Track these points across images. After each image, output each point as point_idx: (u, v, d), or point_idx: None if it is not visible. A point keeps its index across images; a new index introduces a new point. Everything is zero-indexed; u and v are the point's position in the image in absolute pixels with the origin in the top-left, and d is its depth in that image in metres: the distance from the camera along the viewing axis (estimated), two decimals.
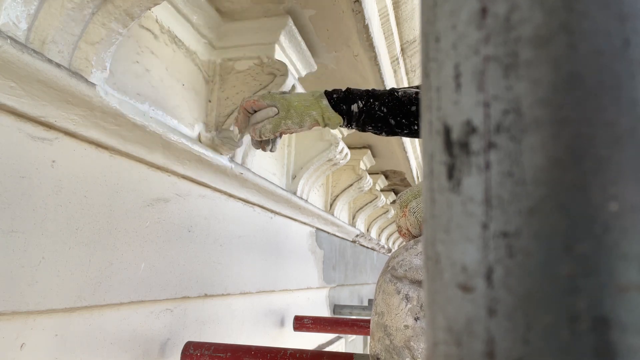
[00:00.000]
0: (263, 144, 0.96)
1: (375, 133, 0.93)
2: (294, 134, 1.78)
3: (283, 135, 0.96)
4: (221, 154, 1.11)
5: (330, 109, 0.90)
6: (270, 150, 0.98)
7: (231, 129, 0.98)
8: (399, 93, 0.89)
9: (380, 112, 0.89)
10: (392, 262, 0.74)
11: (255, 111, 0.92)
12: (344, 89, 0.92)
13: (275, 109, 0.91)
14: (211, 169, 1.09)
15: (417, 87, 0.94)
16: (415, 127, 0.90)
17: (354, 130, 0.93)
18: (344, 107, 0.90)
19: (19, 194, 0.64)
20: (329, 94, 0.91)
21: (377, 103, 0.89)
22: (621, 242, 0.14)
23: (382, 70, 1.45)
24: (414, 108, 0.88)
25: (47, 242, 0.69)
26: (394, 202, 3.31)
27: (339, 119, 0.90)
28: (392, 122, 0.90)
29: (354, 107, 0.90)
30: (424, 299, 0.18)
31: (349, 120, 0.91)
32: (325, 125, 0.91)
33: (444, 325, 0.16)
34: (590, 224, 0.14)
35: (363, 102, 0.90)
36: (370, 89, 0.92)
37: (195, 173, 1.05)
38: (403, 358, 0.66)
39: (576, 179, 0.14)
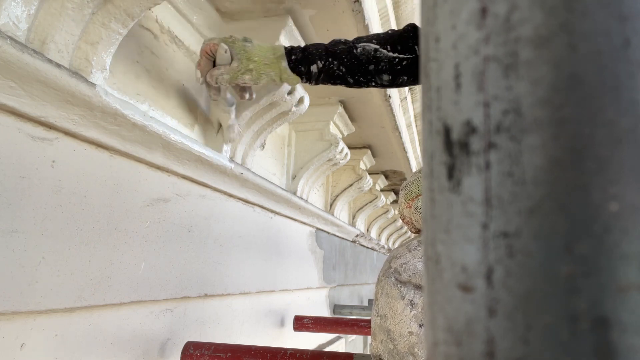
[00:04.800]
0: (241, 92, 0.98)
1: (330, 84, 0.94)
2: (293, 134, 1.78)
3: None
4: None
5: (288, 71, 0.90)
6: (249, 99, 1.00)
7: (197, 75, 0.98)
8: (358, 50, 0.88)
9: (339, 72, 0.89)
10: (395, 263, 0.74)
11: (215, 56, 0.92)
12: (302, 47, 0.91)
13: (224, 48, 0.90)
14: (211, 169, 1.09)
15: (376, 37, 0.92)
16: (373, 84, 0.91)
17: (312, 84, 0.94)
18: (303, 68, 0.90)
19: (19, 194, 0.64)
20: (288, 54, 0.90)
21: (335, 62, 0.89)
22: (621, 242, 0.14)
23: None
24: (372, 67, 0.88)
25: (47, 242, 0.69)
26: (394, 202, 3.31)
27: (297, 79, 0.91)
28: (350, 80, 0.90)
29: (313, 68, 0.90)
30: (424, 299, 0.18)
31: (308, 79, 0.91)
32: (282, 82, 0.92)
33: (444, 325, 0.16)
34: (590, 224, 0.14)
35: (322, 62, 0.89)
36: (329, 44, 0.91)
37: (195, 173, 1.05)
38: None
39: (576, 179, 0.14)
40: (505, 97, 0.15)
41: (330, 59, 0.89)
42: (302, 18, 1.19)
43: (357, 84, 0.91)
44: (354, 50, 0.88)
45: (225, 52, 0.89)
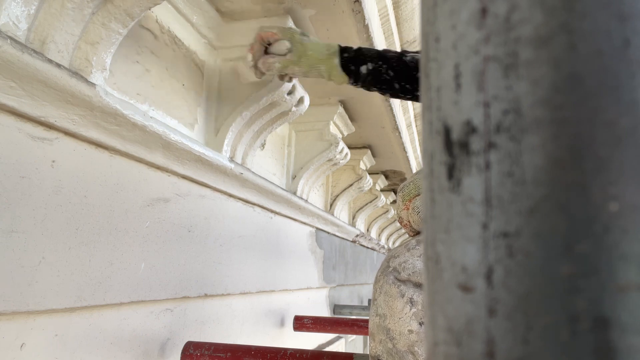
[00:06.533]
0: (281, 75, 1.00)
1: (379, 93, 0.95)
2: (293, 134, 1.78)
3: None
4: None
5: (339, 68, 0.91)
6: (287, 81, 1.04)
7: (248, 58, 0.98)
8: (408, 58, 0.90)
9: (387, 76, 0.91)
10: (394, 262, 0.74)
11: (270, 44, 0.95)
12: (355, 48, 0.92)
13: (286, 45, 0.92)
14: (211, 168, 1.09)
15: None
16: (418, 93, 0.92)
17: (359, 87, 0.95)
18: (353, 67, 0.91)
19: (19, 194, 0.64)
20: (341, 51, 0.92)
21: (385, 66, 0.90)
22: (621, 242, 0.14)
23: None
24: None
25: (47, 242, 0.69)
26: (394, 202, 3.31)
27: (345, 78, 0.92)
28: (397, 86, 0.91)
29: (363, 69, 0.91)
30: (424, 299, 0.18)
31: (356, 79, 0.92)
32: (330, 80, 0.93)
33: (444, 325, 0.16)
34: (590, 224, 0.14)
35: (373, 64, 0.91)
36: (382, 49, 0.93)
37: (195, 173, 1.05)
38: None
39: (576, 179, 0.14)
40: (505, 97, 0.15)
41: (380, 62, 0.90)
42: (302, 18, 1.19)
43: (403, 92, 0.92)
44: (404, 57, 0.90)
45: (285, 45, 0.92)
